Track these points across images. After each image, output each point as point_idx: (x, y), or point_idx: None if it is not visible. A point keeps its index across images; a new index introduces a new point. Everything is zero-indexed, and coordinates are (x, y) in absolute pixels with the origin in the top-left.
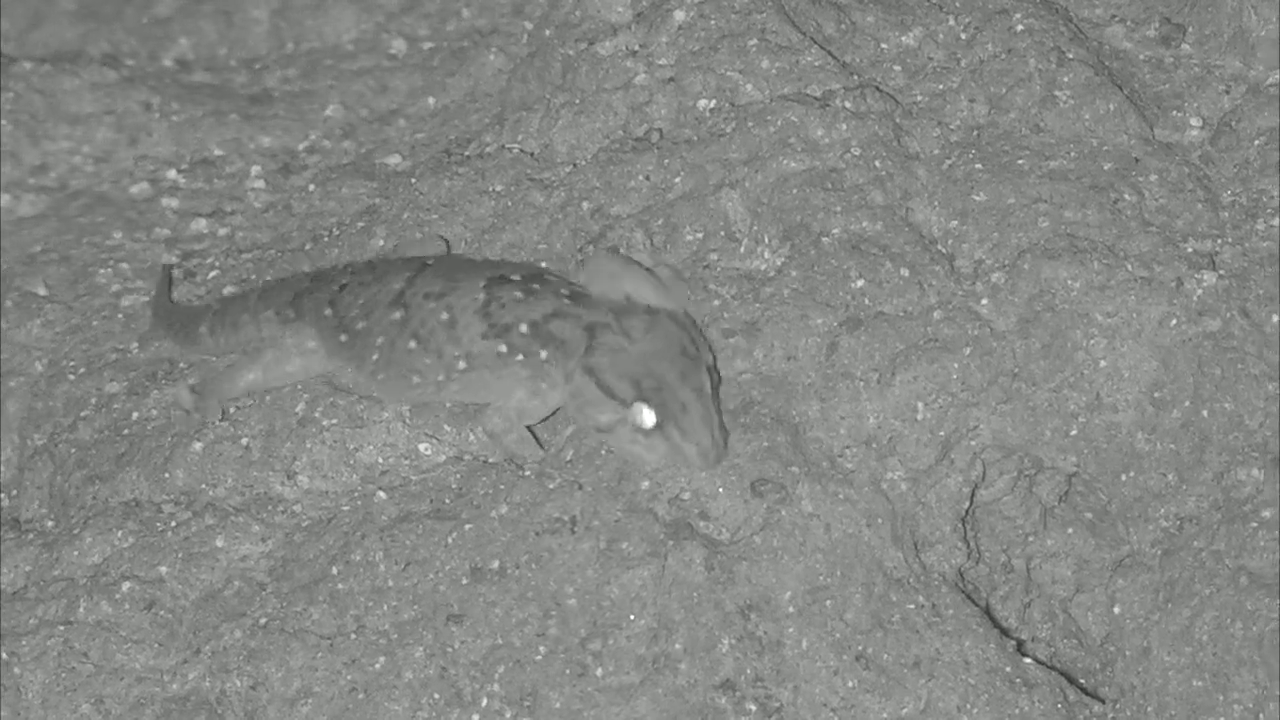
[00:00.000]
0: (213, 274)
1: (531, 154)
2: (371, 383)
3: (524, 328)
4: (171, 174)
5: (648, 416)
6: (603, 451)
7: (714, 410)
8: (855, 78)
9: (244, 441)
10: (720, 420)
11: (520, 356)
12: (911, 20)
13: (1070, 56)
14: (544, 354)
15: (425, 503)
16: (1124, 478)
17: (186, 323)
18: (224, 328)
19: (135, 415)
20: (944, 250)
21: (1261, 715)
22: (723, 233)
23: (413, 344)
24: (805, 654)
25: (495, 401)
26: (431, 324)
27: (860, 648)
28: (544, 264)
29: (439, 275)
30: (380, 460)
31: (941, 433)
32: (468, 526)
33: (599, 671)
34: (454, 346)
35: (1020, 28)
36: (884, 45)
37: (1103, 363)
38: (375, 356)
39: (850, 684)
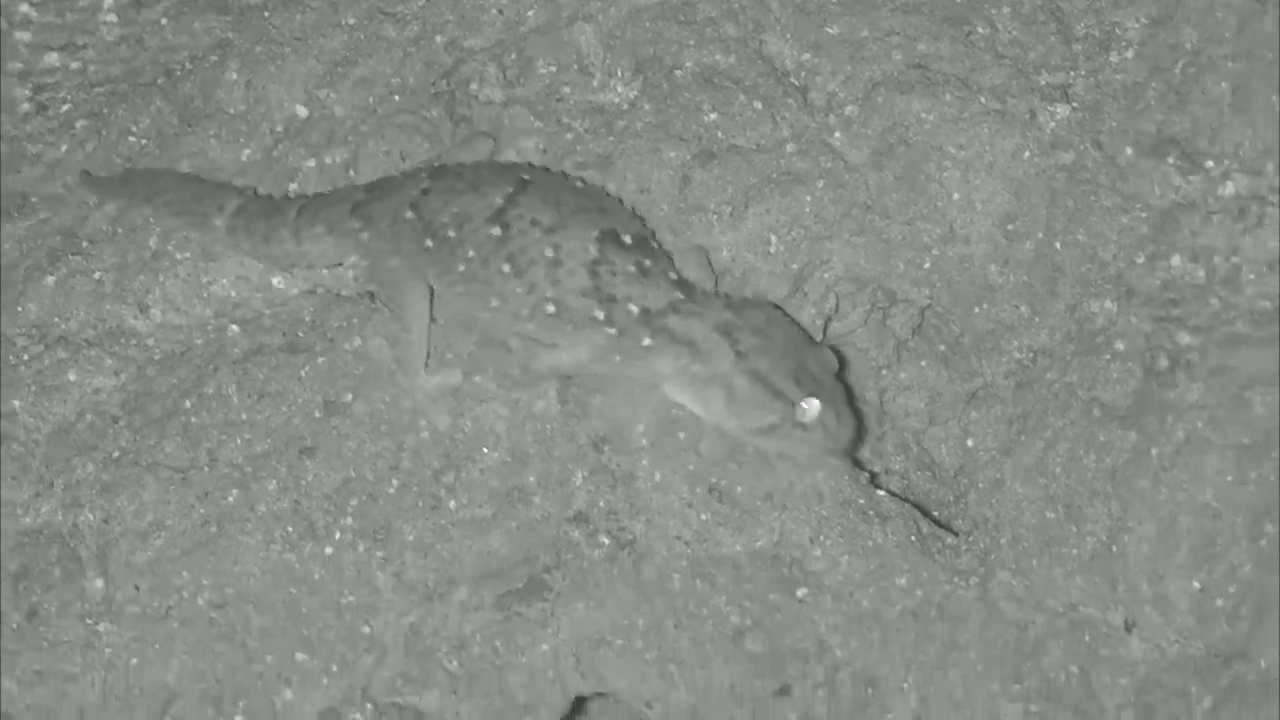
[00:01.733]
0: (65, 108)
1: None
2: (449, 293)
3: (633, 309)
4: (24, 8)
5: (814, 408)
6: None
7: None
8: None
9: (96, 275)
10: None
11: (613, 330)
12: None
13: None
14: (646, 341)
15: (278, 336)
16: (977, 310)
17: (200, 199)
18: (249, 234)
19: None
20: (797, 83)
21: (1115, 547)
22: (576, 66)
23: (506, 267)
24: (658, 487)
25: (559, 349)
26: (533, 254)
27: (713, 480)
28: (641, 218)
29: (546, 202)
30: (233, 294)
31: (794, 266)
32: (321, 359)
33: (452, 504)
34: (550, 287)
35: None
36: None
37: (956, 195)
38: (461, 268)
39: (703, 517)
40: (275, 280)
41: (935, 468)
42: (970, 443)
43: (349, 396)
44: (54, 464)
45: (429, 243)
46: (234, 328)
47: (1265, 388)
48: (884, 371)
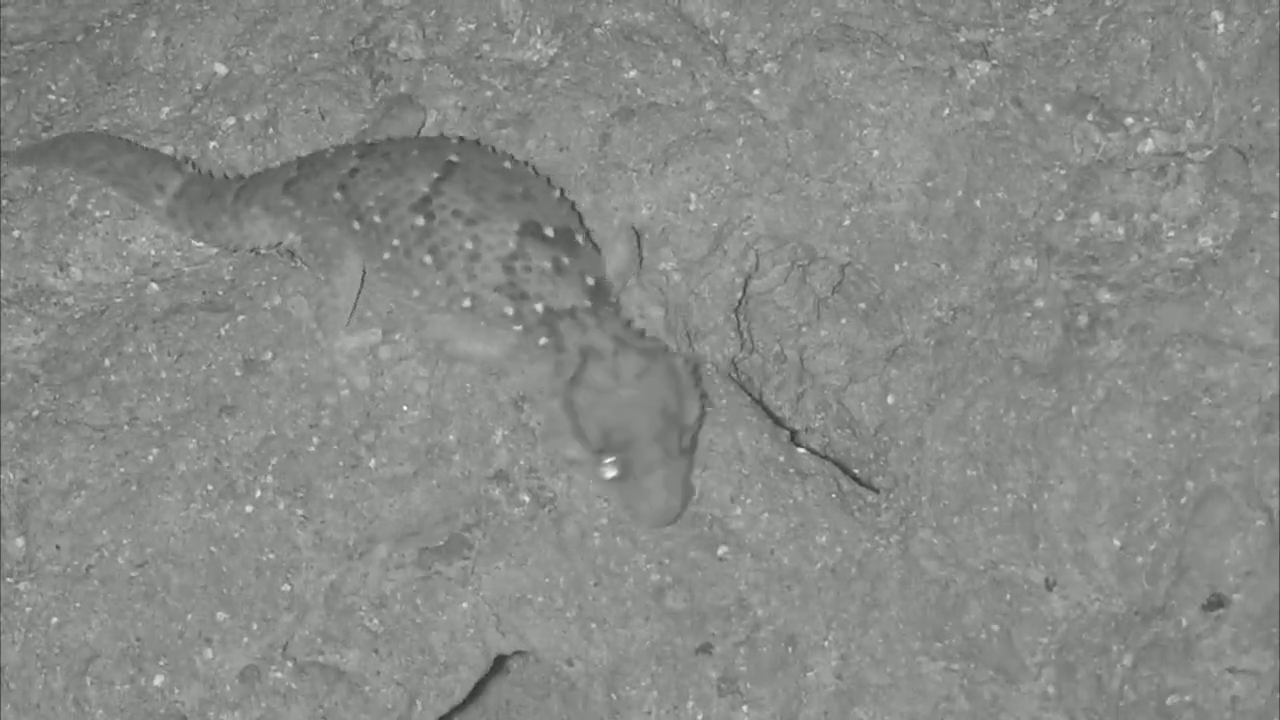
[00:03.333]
0: None
1: None
2: (374, 278)
3: (539, 308)
4: None
5: (609, 470)
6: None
7: (681, 472)
8: None
9: (15, 234)
10: (686, 479)
11: (519, 327)
12: None
13: None
14: (543, 340)
15: (198, 294)
16: (897, 267)
17: (138, 174)
18: (190, 220)
19: None
20: (716, 41)
21: (1035, 505)
22: (495, 24)
23: (428, 258)
24: None
25: (469, 340)
26: (453, 247)
27: None
28: (570, 202)
29: (469, 191)
30: (153, 252)
31: (714, 223)
32: (240, 318)
33: (372, 463)
34: (468, 281)
35: None
36: None
37: (876, 153)
38: (386, 255)
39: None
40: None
41: (855, 425)
42: (890, 400)
43: (269, 355)
44: None
45: (356, 226)
46: (154, 286)
47: (1185, 345)
48: (804, 329)
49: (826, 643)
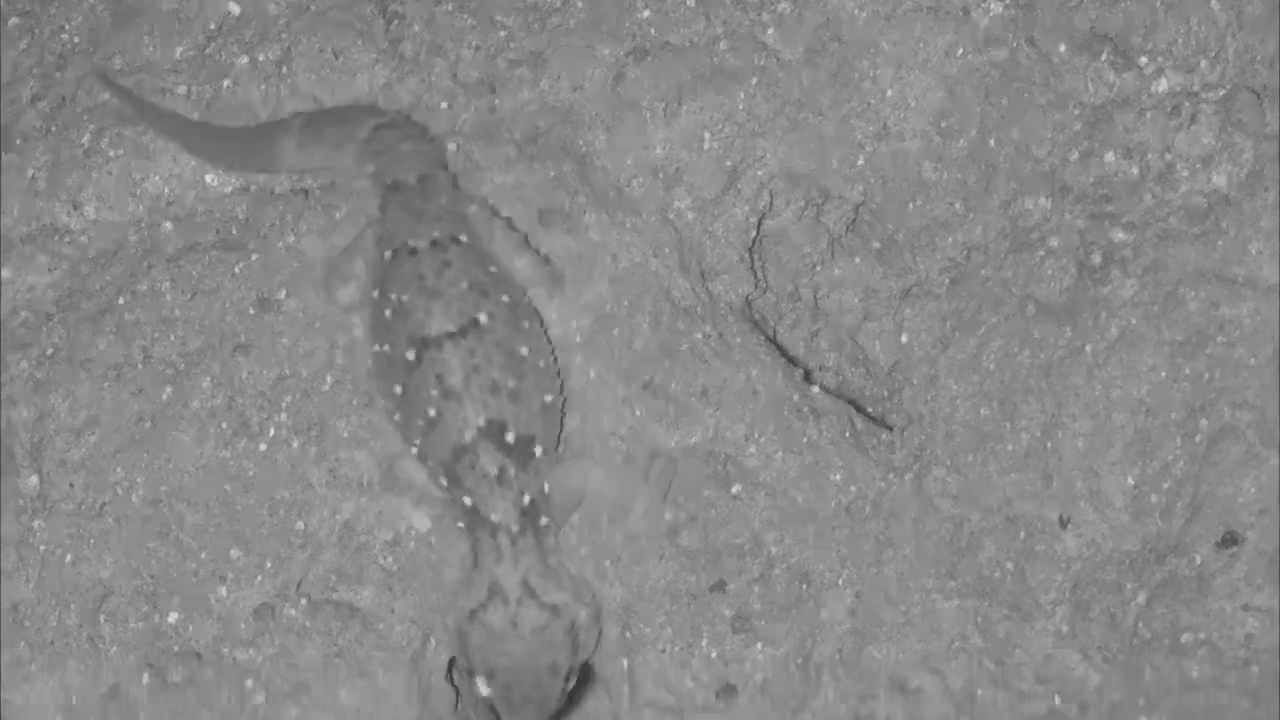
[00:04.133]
0: None
1: None
2: (371, 358)
3: (467, 501)
4: None
5: (484, 688)
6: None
7: (553, 709)
8: None
9: (29, 173)
10: (560, 712)
11: (442, 504)
12: None
13: None
14: (460, 524)
15: (211, 233)
16: (911, 207)
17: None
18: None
19: None
20: None
21: (1049, 443)
22: None
23: (398, 389)
24: (593, 383)
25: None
26: (421, 401)
27: (648, 377)
28: (557, 404)
29: (464, 363)
30: (166, 190)
31: (728, 162)
32: (254, 256)
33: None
34: (419, 436)
35: None
36: None
37: (889, 92)
38: (382, 347)
39: (638, 412)
40: (209, 177)
41: (870, 364)
42: (905, 339)
43: (282, 294)
44: None
45: (378, 301)
46: (167, 225)
47: (1198, 284)
48: (818, 268)
49: (840, 581)
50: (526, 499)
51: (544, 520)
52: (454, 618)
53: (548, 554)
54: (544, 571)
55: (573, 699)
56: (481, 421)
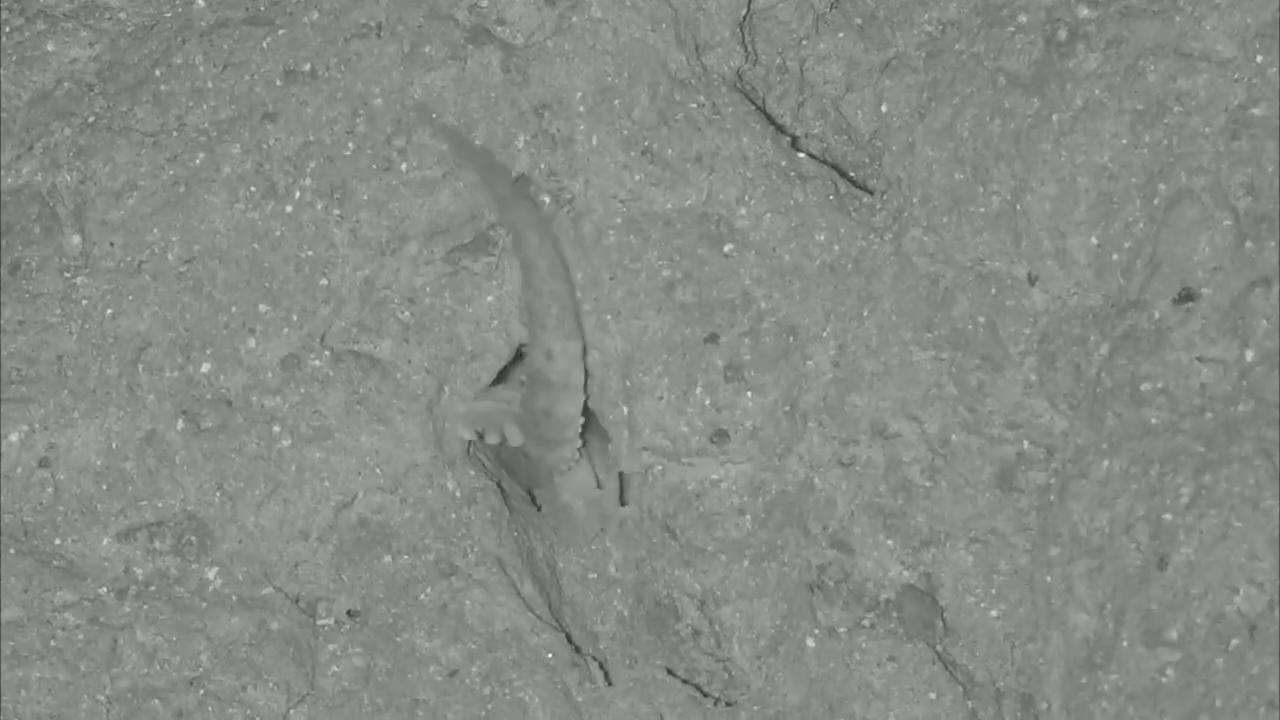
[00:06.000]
0: None
1: None
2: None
3: None
4: None
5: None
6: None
7: None
8: None
9: None
10: None
11: None
12: None
13: None
14: None
15: (241, 10)
16: None
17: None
18: None
19: None
20: None
21: (1019, 205)
22: None
23: None
24: (595, 149)
25: None
26: None
27: (646, 144)
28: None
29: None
30: None
31: None
32: (281, 31)
33: (404, 166)
34: None
35: None
36: None
37: None
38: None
39: (637, 177)
40: None
41: (852, 131)
42: (884, 109)
43: (307, 66)
44: (34, 128)
45: None
46: (200, 2)
47: (1158, 57)
48: (804, 43)
49: (825, 333)
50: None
51: None
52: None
53: None
54: None
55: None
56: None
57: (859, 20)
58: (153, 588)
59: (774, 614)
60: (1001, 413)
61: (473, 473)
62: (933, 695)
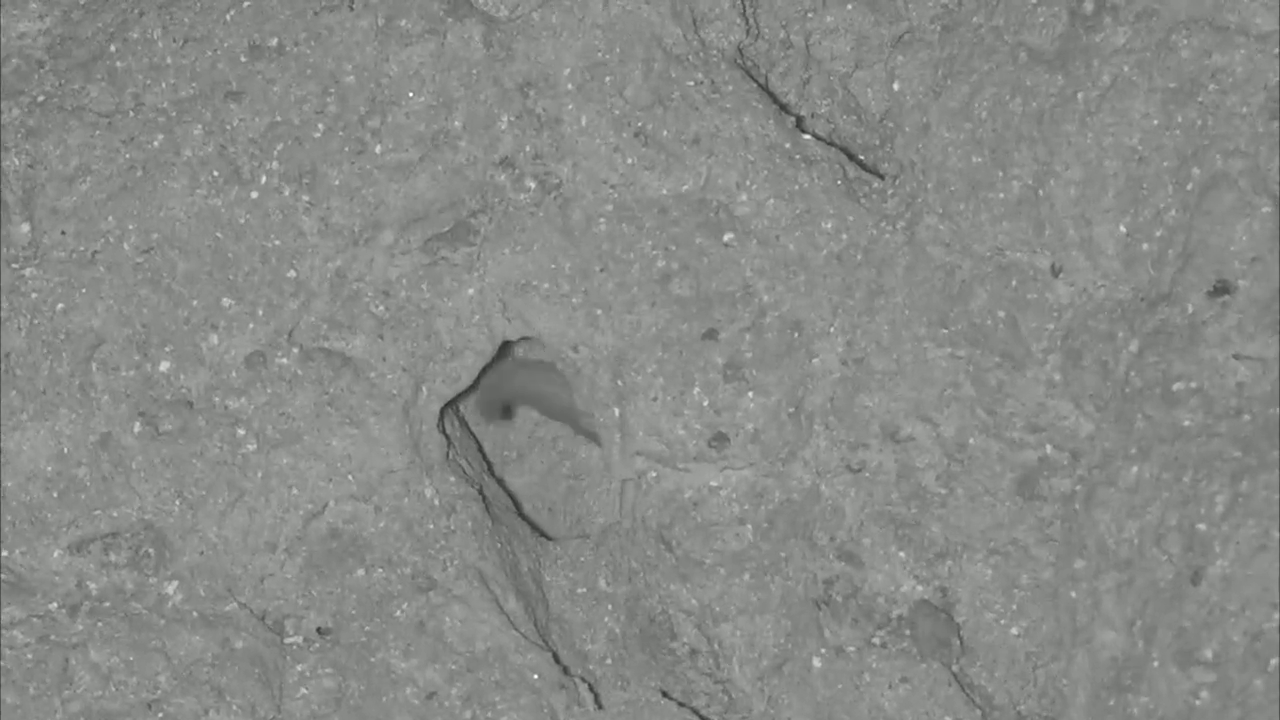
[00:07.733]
0: None
1: None
2: None
3: None
4: None
5: None
6: None
7: None
8: None
9: None
10: None
11: None
12: None
13: None
14: None
15: None
16: None
17: None
18: None
19: None
20: None
21: (1041, 191)
22: None
23: None
24: (584, 131)
25: None
26: None
27: (640, 124)
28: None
29: None
30: None
31: None
32: (246, 3)
33: (378, 149)
34: None
35: None
36: None
37: None
38: None
39: (629, 160)
40: None
41: (861, 111)
42: (896, 86)
43: (274, 40)
44: None
45: None
46: None
47: (1191, 30)
48: (810, 15)
49: (832, 329)
50: None
51: None
52: None
53: None
54: None
55: None
56: None
57: None
58: (107, 604)
59: (777, 632)
60: (1023, 415)
61: (452, 479)
62: (949, 719)
